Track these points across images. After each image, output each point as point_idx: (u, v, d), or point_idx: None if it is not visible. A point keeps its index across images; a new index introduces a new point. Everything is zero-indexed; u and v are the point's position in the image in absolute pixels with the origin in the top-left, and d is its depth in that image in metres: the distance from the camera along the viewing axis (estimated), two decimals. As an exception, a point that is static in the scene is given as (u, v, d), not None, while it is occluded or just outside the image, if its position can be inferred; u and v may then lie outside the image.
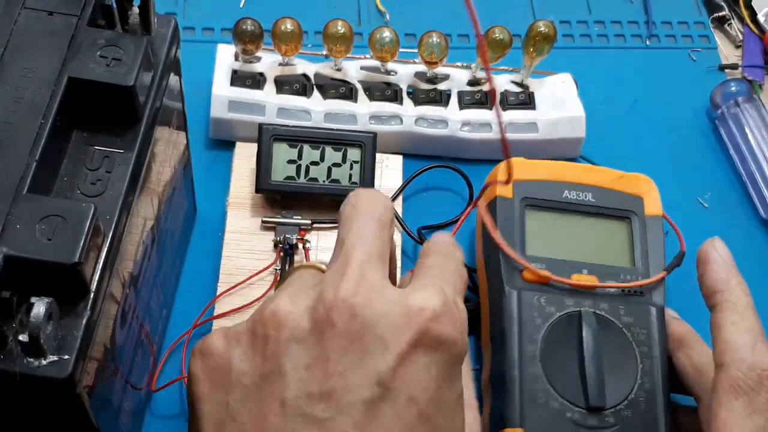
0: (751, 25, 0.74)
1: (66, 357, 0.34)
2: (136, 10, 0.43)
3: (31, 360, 0.34)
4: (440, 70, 0.65)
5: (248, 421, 0.36)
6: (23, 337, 0.33)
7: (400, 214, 0.60)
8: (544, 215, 0.54)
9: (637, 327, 0.51)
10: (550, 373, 0.49)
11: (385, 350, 0.35)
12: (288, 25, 0.61)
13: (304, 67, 0.64)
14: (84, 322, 0.35)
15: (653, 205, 0.56)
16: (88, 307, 0.35)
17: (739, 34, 0.74)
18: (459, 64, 0.66)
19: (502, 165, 0.51)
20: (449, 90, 0.65)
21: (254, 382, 0.36)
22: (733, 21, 0.75)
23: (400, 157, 0.62)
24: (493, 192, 0.54)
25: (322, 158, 0.59)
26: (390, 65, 0.64)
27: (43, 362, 0.34)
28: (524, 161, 0.56)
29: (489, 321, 0.53)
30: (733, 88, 0.68)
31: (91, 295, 0.36)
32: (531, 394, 0.48)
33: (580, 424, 0.48)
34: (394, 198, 0.60)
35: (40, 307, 0.33)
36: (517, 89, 0.65)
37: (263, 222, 0.58)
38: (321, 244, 0.58)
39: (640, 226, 0.55)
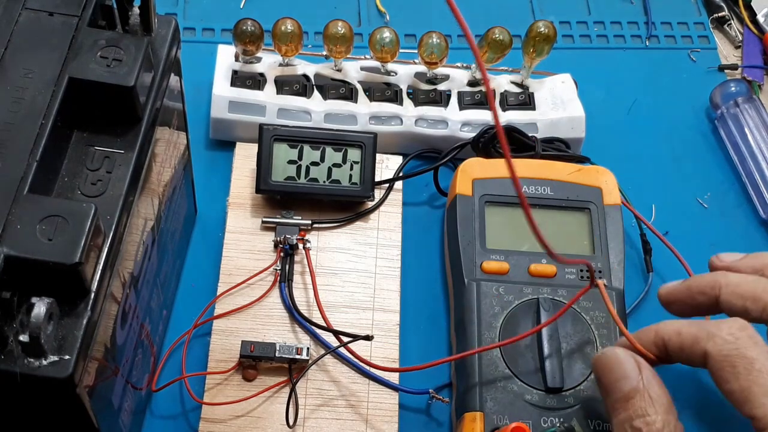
0: (751, 26, 0.74)
1: (66, 357, 0.34)
2: (136, 10, 0.43)
3: (32, 360, 0.34)
4: (440, 70, 0.65)
5: None
6: (24, 338, 0.33)
7: (401, 212, 0.60)
8: (503, 210, 0.57)
9: (596, 311, 0.53)
10: (509, 358, 0.51)
11: None
12: (288, 26, 0.61)
13: (304, 67, 0.64)
14: (84, 322, 0.35)
15: (612, 194, 0.58)
16: (89, 308, 0.35)
17: (738, 34, 0.75)
18: (459, 64, 0.66)
19: (461, 168, 0.58)
20: (449, 90, 0.65)
21: None
22: (732, 21, 0.75)
23: (400, 158, 0.63)
24: (453, 191, 0.58)
25: (322, 159, 0.59)
26: (390, 66, 0.64)
27: (44, 362, 0.34)
28: (482, 160, 0.59)
29: (453, 311, 0.55)
30: (733, 89, 0.68)
31: (92, 295, 0.36)
32: (490, 378, 0.50)
33: (539, 405, 0.50)
34: (389, 189, 0.60)
35: (40, 308, 0.33)
36: (517, 90, 0.65)
37: (263, 222, 0.58)
38: (321, 244, 0.58)
39: (599, 215, 0.57)
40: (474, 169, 0.58)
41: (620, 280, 0.55)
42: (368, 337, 0.53)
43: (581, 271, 0.55)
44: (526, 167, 0.58)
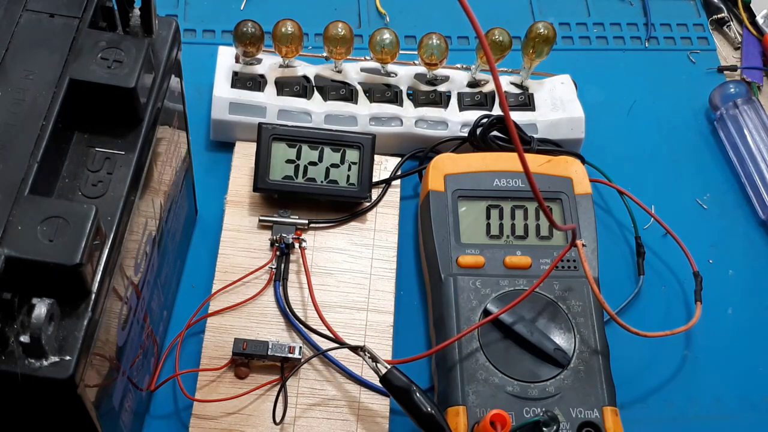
0: (750, 27, 0.75)
1: (67, 358, 0.34)
2: (137, 12, 0.43)
3: (33, 361, 0.34)
4: (440, 71, 0.65)
5: None
6: (25, 338, 0.33)
7: (398, 213, 0.60)
8: (476, 204, 0.58)
9: (572, 300, 0.54)
10: (489, 351, 0.51)
11: None
12: (288, 27, 0.61)
13: (304, 68, 0.64)
14: (85, 323, 0.35)
15: (582, 184, 0.59)
16: (90, 308, 0.36)
17: (737, 35, 0.75)
18: (459, 65, 0.66)
19: (432, 165, 0.58)
20: (449, 91, 0.65)
21: None
22: (732, 23, 0.75)
23: (398, 160, 0.62)
24: (426, 187, 0.58)
25: (320, 159, 0.59)
26: (390, 67, 0.64)
27: (45, 363, 0.34)
28: (453, 156, 0.60)
29: (432, 307, 0.55)
30: (732, 90, 0.68)
31: (93, 296, 0.36)
32: (471, 372, 0.51)
33: (520, 396, 0.50)
34: (385, 190, 0.60)
35: (41, 308, 0.33)
36: (517, 90, 0.65)
37: (260, 221, 0.58)
38: (317, 244, 0.58)
39: (570, 205, 0.58)
40: (445, 165, 0.58)
41: (594, 268, 0.55)
42: (360, 348, 0.51)
43: (562, 261, 0.55)
44: (497, 161, 0.59)
